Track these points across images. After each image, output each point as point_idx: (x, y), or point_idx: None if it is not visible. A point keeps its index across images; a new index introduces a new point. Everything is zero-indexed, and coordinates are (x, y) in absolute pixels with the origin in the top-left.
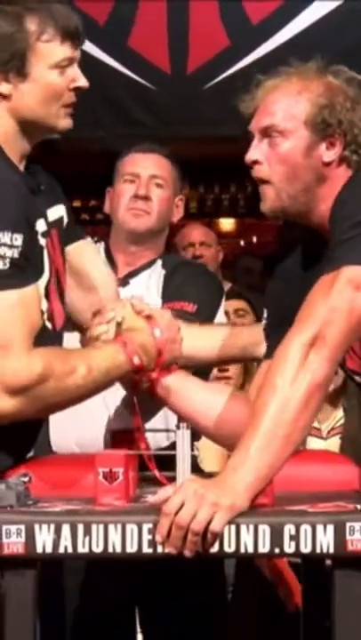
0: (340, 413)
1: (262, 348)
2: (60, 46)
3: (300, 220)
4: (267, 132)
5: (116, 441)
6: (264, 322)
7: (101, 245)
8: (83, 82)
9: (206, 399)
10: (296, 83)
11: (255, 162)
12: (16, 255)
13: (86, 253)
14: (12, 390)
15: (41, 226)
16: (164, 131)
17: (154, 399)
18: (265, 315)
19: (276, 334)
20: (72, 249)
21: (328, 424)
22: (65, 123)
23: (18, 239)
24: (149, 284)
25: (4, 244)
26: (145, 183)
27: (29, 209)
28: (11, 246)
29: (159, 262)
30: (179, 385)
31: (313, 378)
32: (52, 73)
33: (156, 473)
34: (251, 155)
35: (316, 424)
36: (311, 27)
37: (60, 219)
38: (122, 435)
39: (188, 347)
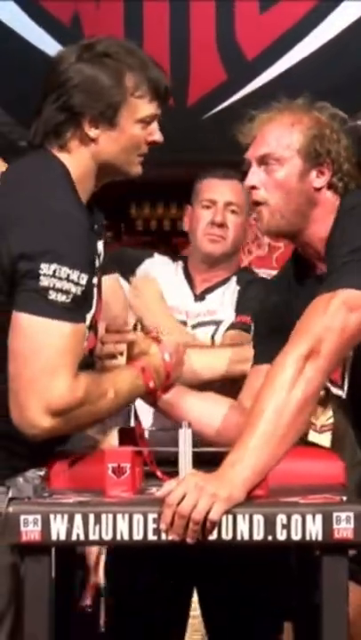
0: (330, 412)
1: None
2: (149, 104)
3: (292, 240)
4: (263, 160)
5: (122, 438)
6: (252, 331)
7: (179, 265)
8: (158, 137)
9: (205, 410)
10: (288, 116)
11: (253, 187)
12: (79, 293)
13: (109, 289)
14: (54, 411)
15: (97, 264)
16: (167, 156)
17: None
18: (252, 325)
19: (263, 342)
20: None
21: (320, 421)
22: (137, 169)
23: (83, 279)
24: (224, 300)
25: (72, 281)
26: (221, 210)
27: (92, 249)
28: (76, 284)
29: (234, 279)
30: (178, 399)
31: (308, 386)
32: (137, 126)
33: (159, 474)
34: (249, 180)
35: (312, 419)
36: (301, 62)
37: (101, 253)
38: (127, 432)
39: (193, 367)
